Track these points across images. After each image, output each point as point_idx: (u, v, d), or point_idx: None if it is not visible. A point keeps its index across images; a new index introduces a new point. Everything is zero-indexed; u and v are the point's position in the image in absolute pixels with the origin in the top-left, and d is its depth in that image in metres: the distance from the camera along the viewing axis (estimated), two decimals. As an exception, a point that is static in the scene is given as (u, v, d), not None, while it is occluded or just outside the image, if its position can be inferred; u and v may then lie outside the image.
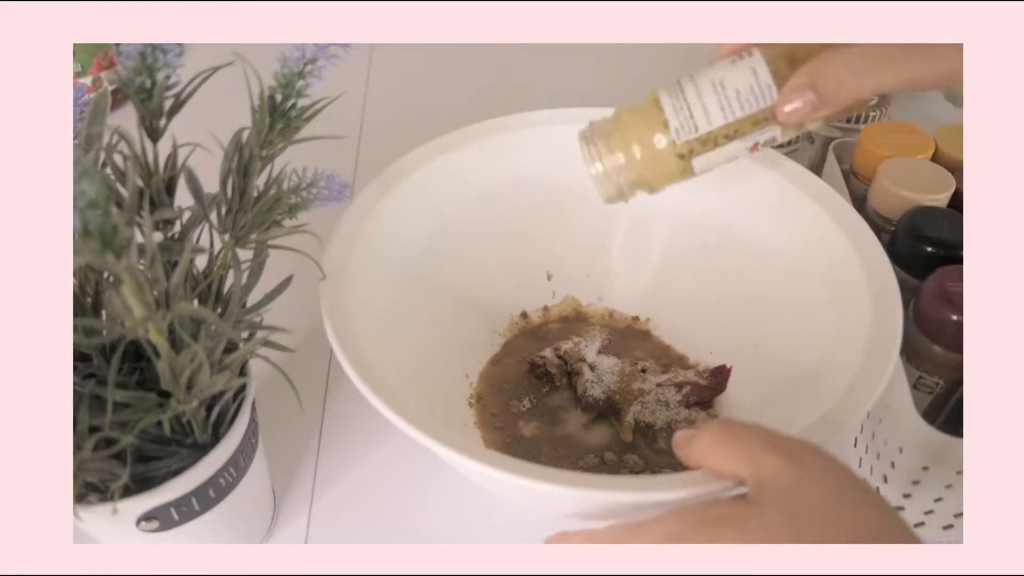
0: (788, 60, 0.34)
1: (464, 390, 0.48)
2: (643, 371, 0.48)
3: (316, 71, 0.33)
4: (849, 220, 0.43)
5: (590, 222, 0.51)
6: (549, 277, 0.53)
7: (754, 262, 0.47)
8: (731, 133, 0.36)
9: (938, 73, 0.31)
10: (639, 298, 0.53)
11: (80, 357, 0.34)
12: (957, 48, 0.31)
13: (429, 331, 0.46)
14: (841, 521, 0.26)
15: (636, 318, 0.53)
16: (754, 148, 0.37)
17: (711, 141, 0.36)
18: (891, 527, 0.26)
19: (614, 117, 0.38)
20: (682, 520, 0.27)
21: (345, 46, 0.33)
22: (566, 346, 0.49)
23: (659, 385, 0.46)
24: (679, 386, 0.46)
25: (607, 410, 0.47)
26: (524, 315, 0.53)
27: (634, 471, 0.44)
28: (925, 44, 0.31)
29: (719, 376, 0.46)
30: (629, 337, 0.52)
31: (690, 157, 0.37)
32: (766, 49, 0.35)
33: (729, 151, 0.36)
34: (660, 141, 0.36)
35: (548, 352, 0.49)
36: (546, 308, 0.53)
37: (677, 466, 0.34)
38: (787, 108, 0.34)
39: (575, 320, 0.53)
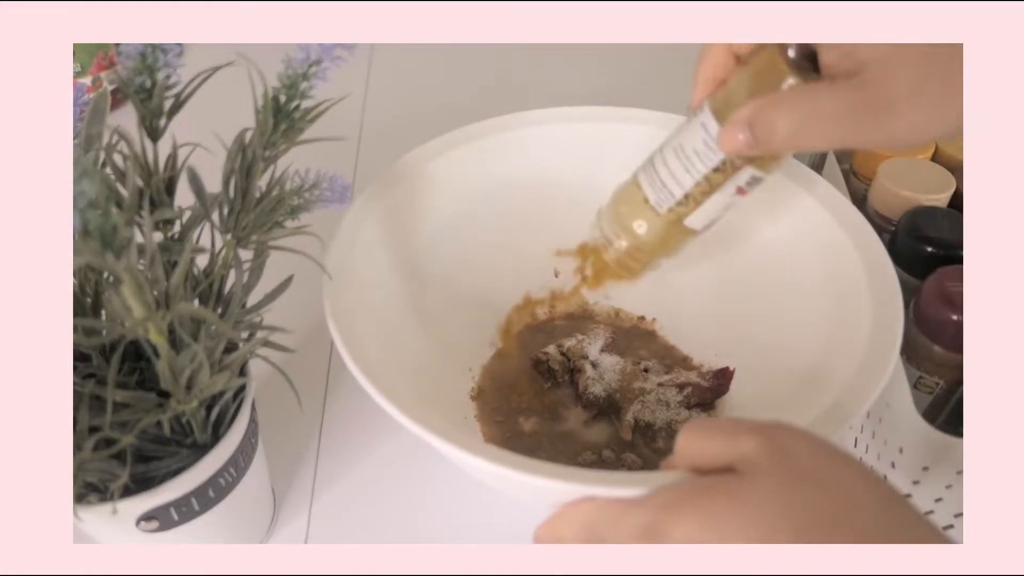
0: (727, 105, 0.34)
1: (466, 384, 0.48)
2: (646, 371, 0.48)
3: (320, 72, 0.33)
4: (851, 220, 0.43)
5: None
6: (556, 274, 0.53)
7: (755, 262, 0.47)
8: (706, 189, 0.37)
9: (886, 145, 0.31)
10: (645, 298, 0.52)
11: (80, 357, 0.34)
12: (912, 123, 0.30)
13: (433, 328, 0.46)
14: (829, 484, 0.26)
15: (642, 318, 0.53)
16: (740, 192, 0.37)
17: (690, 202, 0.37)
18: (877, 484, 0.27)
19: (611, 203, 0.41)
20: (677, 492, 0.28)
21: (350, 47, 0.32)
22: (569, 343, 0.49)
23: (660, 385, 0.46)
24: (680, 387, 0.46)
25: (607, 408, 0.47)
26: (531, 312, 0.53)
27: (631, 470, 0.44)
28: (885, 113, 0.30)
29: (721, 378, 0.46)
30: (634, 337, 0.52)
31: (680, 221, 0.38)
32: (711, 99, 0.35)
33: (716, 203, 0.37)
34: (650, 217, 0.39)
35: (551, 348, 0.49)
36: (552, 305, 0.53)
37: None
38: (725, 141, 0.34)
39: (581, 318, 0.53)
